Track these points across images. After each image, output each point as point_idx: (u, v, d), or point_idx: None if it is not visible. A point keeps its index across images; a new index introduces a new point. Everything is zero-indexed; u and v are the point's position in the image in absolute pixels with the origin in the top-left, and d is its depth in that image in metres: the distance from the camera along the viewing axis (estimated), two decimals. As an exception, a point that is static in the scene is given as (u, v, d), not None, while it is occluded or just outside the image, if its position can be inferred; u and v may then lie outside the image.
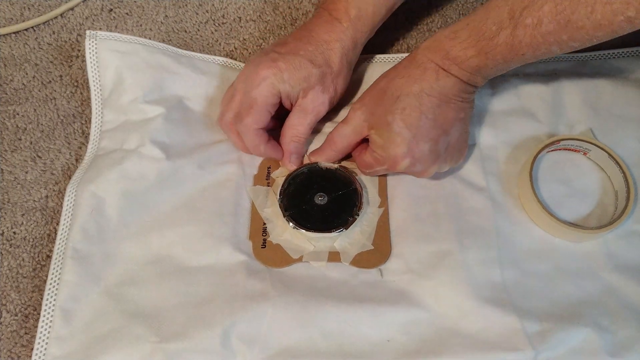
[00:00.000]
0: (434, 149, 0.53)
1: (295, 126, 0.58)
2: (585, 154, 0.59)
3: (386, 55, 0.66)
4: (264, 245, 0.55)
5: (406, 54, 0.66)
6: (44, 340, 0.50)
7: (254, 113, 0.56)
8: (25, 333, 0.52)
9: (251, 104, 0.55)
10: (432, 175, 0.56)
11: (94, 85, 0.62)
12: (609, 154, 0.56)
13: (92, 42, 0.62)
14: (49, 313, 0.51)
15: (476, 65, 0.51)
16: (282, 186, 0.57)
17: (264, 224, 0.56)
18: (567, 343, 0.49)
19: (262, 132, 0.57)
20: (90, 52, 0.62)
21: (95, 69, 0.62)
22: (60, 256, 0.53)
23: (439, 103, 0.52)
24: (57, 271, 0.52)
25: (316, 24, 0.59)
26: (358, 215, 0.55)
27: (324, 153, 0.58)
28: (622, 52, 0.65)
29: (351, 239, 0.55)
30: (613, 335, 0.49)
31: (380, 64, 0.65)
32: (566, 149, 0.59)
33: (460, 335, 0.50)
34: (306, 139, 0.59)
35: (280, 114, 0.59)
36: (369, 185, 0.58)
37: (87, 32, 0.62)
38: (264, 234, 0.55)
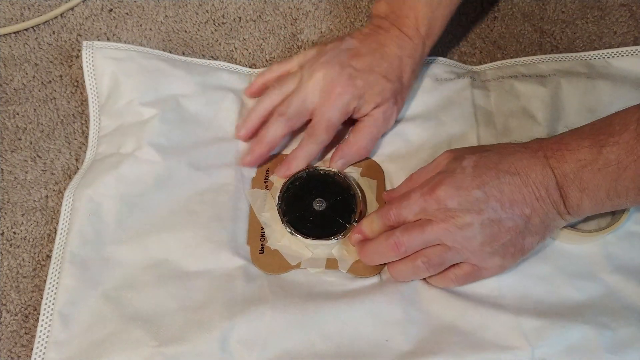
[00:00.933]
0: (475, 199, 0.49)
1: (360, 138, 0.59)
2: (584, 155, 0.58)
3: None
4: (262, 250, 0.55)
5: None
6: (42, 345, 0.50)
7: (330, 133, 0.58)
8: (25, 333, 0.52)
9: (328, 126, 0.57)
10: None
11: (92, 93, 0.62)
12: (608, 155, 0.56)
13: (89, 52, 0.63)
14: (47, 317, 0.51)
15: (583, 160, 0.47)
16: (281, 191, 0.57)
17: (262, 228, 0.56)
18: (566, 340, 0.49)
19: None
20: (87, 62, 0.62)
21: (92, 78, 0.62)
22: (58, 260, 0.53)
23: (516, 184, 0.48)
24: (55, 275, 0.52)
25: (387, 38, 0.59)
26: (356, 222, 0.55)
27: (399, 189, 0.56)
28: (621, 51, 0.65)
29: (349, 246, 0.55)
30: (613, 333, 0.49)
31: None
32: (565, 150, 0.59)
33: (457, 334, 0.50)
34: (367, 152, 0.60)
35: None
36: (367, 191, 0.58)
37: (84, 43, 0.63)
38: (262, 239, 0.55)
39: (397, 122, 0.61)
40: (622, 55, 0.65)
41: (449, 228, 0.48)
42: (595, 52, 0.65)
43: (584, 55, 0.66)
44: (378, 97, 0.57)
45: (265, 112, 0.59)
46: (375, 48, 0.59)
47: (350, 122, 0.60)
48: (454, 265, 0.51)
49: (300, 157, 0.58)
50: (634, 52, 0.65)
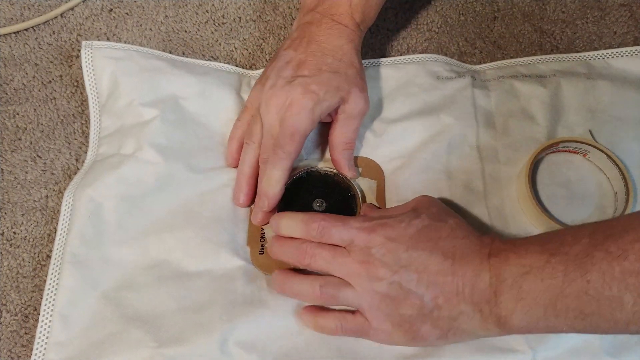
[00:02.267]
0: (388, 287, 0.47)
1: (345, 133, 0.56)
2: (584, 155, 0.59)
3: (393, 58, 0.66)
4: (261, 251, 0.55)
5: (408, 55, 0.66)
6: (42, 345, 0.50)
7: (297, 142, 0.53)
8: (25, 333, 0.53)
9: (293, 133, 0.53)
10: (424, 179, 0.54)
11: (91, 93, 0.62)
12: (608, 156, 0.56)
13: (88, 51, 0.63)
14: (47, 318, 0.51)
15: (528, 265, 0.43)
16: None
17: (262, 229, 0.56)
18: (566, 343, 0.49)
19: (290, 168, 0.55)
20: (86, 62, 0.62)
21: (91, 78, 0.62)
22: (58, 261, 0.53)
23: (442, 269, 0.46)
24: (55, 276, 0.53)
25: (320, 32, 0.57)
26: None
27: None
28: (621, 51, 0.65)
29: None
30: (613, 336, 0.49)
31: (389, 66, 0.65)
32: (565, 151, 0.59)
33: None
34: (354, 144, 0.58)
35: None
36: (366, 191, 0.58)
37: (83, 42, 0.63)
38: (262, 240, 0.55)
39: (397, 121, 0.61)
40: (622, 56, 0.65)
41: (360, 271, 0.47)
42: (595, 52, 0.65)
43: (584, 56, 0.65)
44: (340, 91, 0.54)
45: (250, 169, 0.56)
46: (313, 48, 0.56)
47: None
48: (347, 311, 0.50)
49: (272, 178, 0.54)
50: (634, 52, 0.65)
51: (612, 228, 0.42)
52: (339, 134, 0.57)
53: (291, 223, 0.51)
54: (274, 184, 0.54)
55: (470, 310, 0.45)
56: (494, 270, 0.44)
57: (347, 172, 0.57)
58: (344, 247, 0.49)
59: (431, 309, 0.46)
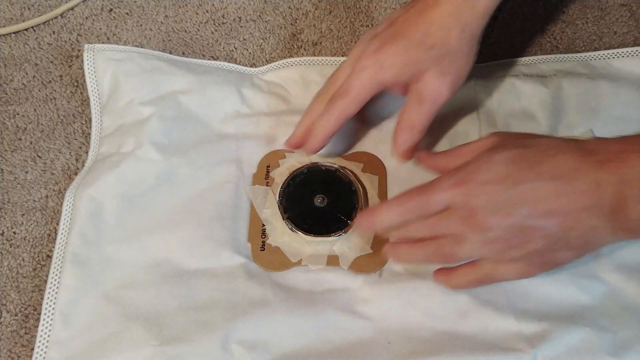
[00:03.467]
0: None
1: (409, 115, 0.53)
2: (585, 154, 0.59)
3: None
4: (262, 247, 0.55)
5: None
6: (43, 344, 0.50)
7: (346, 101, 0.53)
8: (26, 333, 0.52)
9: (344, 91, 0.53)
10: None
11: (93, 95, 0.62)
12: (609, 155, 0.56)
13: (90, 54, 0.63)
14: (48, 317, 0.51)
15: None
16: (282, 187, 0.57)
17: (263, 225, 0.56)
18: (566, 342, 0.49)
19: (340, 122, 0.54)
20: (88, 65, 0.63)
21: (93, 80, 0.63)
22: (59, 260, 0.53)
23: (555, 190, 0.42)
24: (56, 275, 0.53)
25: (426, 3, 0.52)
26: None
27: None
28: (622, 52, 0.65)
29: (350, 242, 0.54)
30: (613, 335, 0.49)
31: None
32: (566, 150, 0.59)
33: (459, 337, 0.50)
34: (423, 129, 0.53)
35: None
36: (368, 187, 0.58)
37: (85, 45, 0.63)
38: (263, 236, 0.55)
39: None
40: (622, 56, 0.65)
41: (467, 228, 0.44)
42: (596, 52, 0.65)
43: (585, 56, 0.66)
44: (413, 67, 0.51)
45: (313, 112, 0.56)
46: (415, 11, 0.52)
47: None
48: (470, 264, 0.49)
49: (315, 128, 0.54)
50: (634, 52, 0.65)
51: None
52: (404, 113, 0.54)
53: (387, 216, 0.48)
54: (315, 133, 0.54)
55: (601, 222, 0.42)
56: (615, 176, 0.41)
57: (396, 152, 0.54)
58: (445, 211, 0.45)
59: (561, 235, 0.43)
